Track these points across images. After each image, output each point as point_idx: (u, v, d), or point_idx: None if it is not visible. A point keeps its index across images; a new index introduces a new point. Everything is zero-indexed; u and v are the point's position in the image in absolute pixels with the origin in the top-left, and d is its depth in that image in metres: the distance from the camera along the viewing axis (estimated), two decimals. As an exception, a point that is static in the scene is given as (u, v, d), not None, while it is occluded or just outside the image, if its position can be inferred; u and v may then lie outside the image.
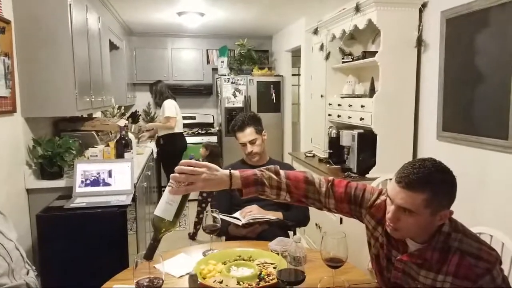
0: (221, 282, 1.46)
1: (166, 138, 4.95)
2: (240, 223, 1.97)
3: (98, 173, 2.37)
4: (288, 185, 1.38)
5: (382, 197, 1.37)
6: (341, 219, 2.87)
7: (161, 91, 4.94)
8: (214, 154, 4.30)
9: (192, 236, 4.24)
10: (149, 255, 1.21)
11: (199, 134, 5.81)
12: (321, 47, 3.62)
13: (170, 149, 4.94)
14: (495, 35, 2.16)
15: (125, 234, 2.18)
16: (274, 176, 1.38)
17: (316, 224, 3.31)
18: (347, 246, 1.39)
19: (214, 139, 5.73)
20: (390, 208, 1.21)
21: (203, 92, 6.18)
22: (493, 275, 1.15)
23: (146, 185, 3.29)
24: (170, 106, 4.82)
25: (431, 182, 1.15)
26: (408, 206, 1.16)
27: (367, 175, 2.85)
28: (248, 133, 2.24)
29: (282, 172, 1.41)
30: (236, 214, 2.05)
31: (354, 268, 1.61)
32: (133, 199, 2.42)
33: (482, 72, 2.25)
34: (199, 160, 4.05)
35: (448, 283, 1.19)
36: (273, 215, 2.07)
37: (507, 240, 1.51)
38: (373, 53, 2.89)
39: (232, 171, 1.34)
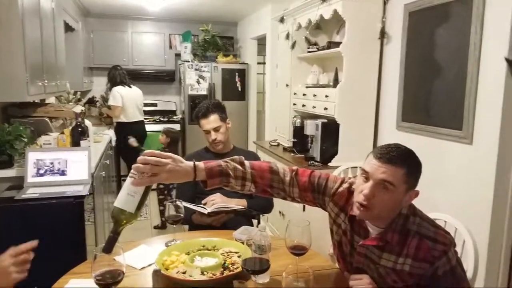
0: (184, 273, 1.43)
1: (122, 126, 4.81)
2: (205, 211, 1.94)
3: (52, 162, 2.24)
4: (253, 175, 1.39)
5: (345, 185, 1.42)
6: (304, 206, 2.90)
7: (113, 78, 4.77)
8: (175, 141, 4.22)
9: (162, 226, 4.14)
10: (108, 248, 1.17)
11: (160, 122, 5.67)
12: (287, 36, 3.61)
13: (125, 137, 4.79)
14: (453, 29, 2.23)
15: (83, 225, 2.08)
16: (239, 167, 1.38)
17: (280, 212, 3.33)
18: (311, 234, 1.40)
19: (176, 127, 5.61)
20: (366, 185, 1.24)
21: (165, 78, 6.01)
22: (448, 257, 1.24)
23: (104, 175, 3.17)
24: (115, 95, 4.68)
25: (408, 160, 1.24)
26: (390, 178, 1.21)
27: (329, 164, 2.89)
28: (213, 120, 2.20)
29: (247, 162, 1.41)
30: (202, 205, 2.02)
31: (317, 254, 1.63)
32: (91, 190, 2.32)
33: (440, 65, 2.33)
34: (160, 149, 3.99)
35: (408, 265, 1.26)
36: (238, 203, 2.05)
37: (459, 225, 1.58)
38: (337, 44, 2.91)
39: (196, 162, 1.31)
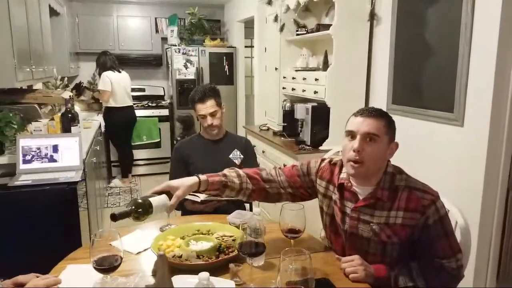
0: (180, 257, 1.45)
1: (110, 112, 4.77)
2: (198, 199, 1.96)
3: (43, 149, 2.22)
4: (248, 175, 1.57)
5: (325, 161, 1.60)
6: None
7: (104, 64, 4.74)
8: (189, 125, 4.47)
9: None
10: (116, 218, 1.26)
11: (149, 107, 5.62)
12: (275, 19, 3.58)
13: (114, 123, 4.78)
14: (444, 10, 2.23)
15: (76, 211, 2.09)
16: (236, 177, 1.55)
17: (271, 196, 3.37)
18: (305, 217, 1.43)
19: (165, 112, 5.58)
20: (354, 142, 1.36)
21: (152, 62, 5.94)
22: (437, 206, 1.34)
23: (95, 161, 3.15)
24: (104, 79, 4.65)
25: (385, 114, 1.40)
26: (374, 130, 1.34)
27: (320, 147, 2.92)
28: (209, 105, 2.20)
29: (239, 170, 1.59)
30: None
31: (311, 237, 1.67)
32: (83, 176, 2.31)
33: (431, 46, 2.34)
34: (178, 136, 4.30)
35: (400, 218, 1.35)
36: None
37: (451, 206, 1.62)
38: (327, 26, 2.90)
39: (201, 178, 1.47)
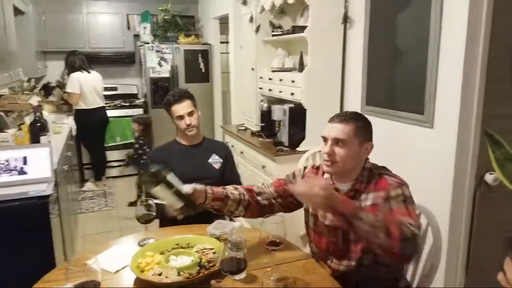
0: (160, 274, 1.43)
1: (81, 114, 4.64)
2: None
3: (12, 161, 2.12)
4: (244, 188, 1.68)
5: (308, 167, 1.73)
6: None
7: (72, 64, 4.59)
8: (148, 126, 4.27)
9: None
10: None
11: (122, 107, 5.48)
12: (251, 19, 3.54)
13: (86, 125, 4.64)
14: (414, 15, 2.26)
15: (49, 227, 2.00)
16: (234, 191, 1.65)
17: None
18: (285, 229, 1.43)
19: (139, 111, 5.46)
20: (326, 146, 1.49)
21: (125, 60, 5.78)
22: (403, 189, 1.43)
23: (67, 168, 3.05)
24: (73, 81, 4.51)
25: (356, 118, 1.51)
26: (341, 135, 1.46)
27: (297, 148, 2.94)
28: (186, 105, 2.20)
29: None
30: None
31: (289, 244, 1.66)
32: (55, 188, 2.22)
33: (402, 50, 2.38)
34: (135, 137, 4.01)
35: (370, 199, 1.47)
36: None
37: (423, 206, 1.67)
38: (302, 28, 2.90)
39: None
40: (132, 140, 4.86)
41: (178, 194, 1.49)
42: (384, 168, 1.57)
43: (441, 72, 2.11)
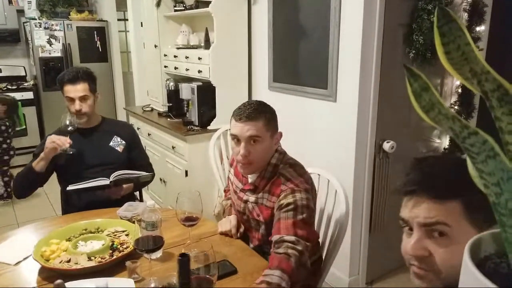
0: (69, 261, 1.33)
1: None
2: (107, 182, 1.83)
3: None
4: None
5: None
6: (186, 171, 2.91)
7: None
8: (13, 107, 3.92)
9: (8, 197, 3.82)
10: None
11: (8, 90, 4.86)
12: (151, -7, 3.37)
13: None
14: (314, -7, 2.36)
15: None
16: None
17: (161, 179, 3.28)
18: (202, 203, 1.42)
19: (29, 95, 4.90)
20: (240, 147, 1.43)
21: (8, 39, 5.08)
22: (295, 196, 1.40)
23: None
24: None
25: (263, 111, 1.45)
26: (255, 132, 1.41)
27: (208, 127, 2.91)
28: (80, 88, 1.96)
29: None
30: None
31: (204, 220, 1.66)
32: None
33: (305, 27, 2.47)
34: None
35: (265, 199, 1.49)
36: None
37: (331, 177, 1.79)
38: (206, 3, 2.84)
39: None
40: (24, 127, 4.40)
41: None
42: (290, 165, 1.50)
43: (342, 47, 2.24)
